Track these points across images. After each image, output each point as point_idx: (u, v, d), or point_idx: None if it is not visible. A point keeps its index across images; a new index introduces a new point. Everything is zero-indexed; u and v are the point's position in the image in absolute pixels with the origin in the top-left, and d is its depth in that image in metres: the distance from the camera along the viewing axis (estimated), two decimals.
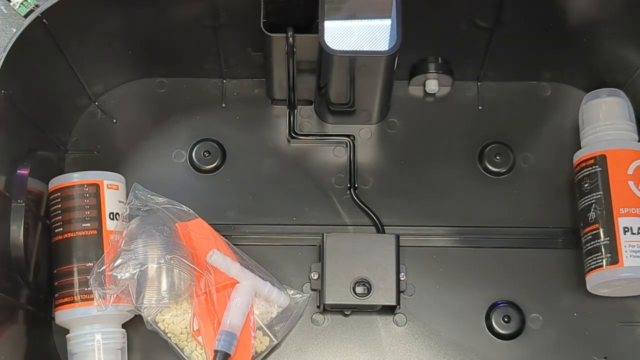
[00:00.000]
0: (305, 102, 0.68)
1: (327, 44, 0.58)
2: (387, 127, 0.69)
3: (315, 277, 0.63)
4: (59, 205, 0.61)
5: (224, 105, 0.69)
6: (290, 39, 0.60)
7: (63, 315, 0.60)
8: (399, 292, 0.62)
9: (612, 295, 0.63)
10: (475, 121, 0.69)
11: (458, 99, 0.69)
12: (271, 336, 0.62)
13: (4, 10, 0.57)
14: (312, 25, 0.60)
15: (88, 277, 0.59)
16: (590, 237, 0.61)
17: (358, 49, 0.59)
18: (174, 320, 0.61)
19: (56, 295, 0.60)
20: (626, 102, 0.64)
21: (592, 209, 0.61)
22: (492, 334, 0.64)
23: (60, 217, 0.61)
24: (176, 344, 0.61)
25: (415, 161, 0.68)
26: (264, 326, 0.62)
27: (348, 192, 0.67)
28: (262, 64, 0.65)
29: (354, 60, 0.60)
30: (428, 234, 0.66)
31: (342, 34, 0.59)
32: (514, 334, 0.64)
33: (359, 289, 0.61)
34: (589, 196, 0.62)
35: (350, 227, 0.66)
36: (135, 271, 0.59)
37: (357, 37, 0.60)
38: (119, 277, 0.59)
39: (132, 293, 0.59)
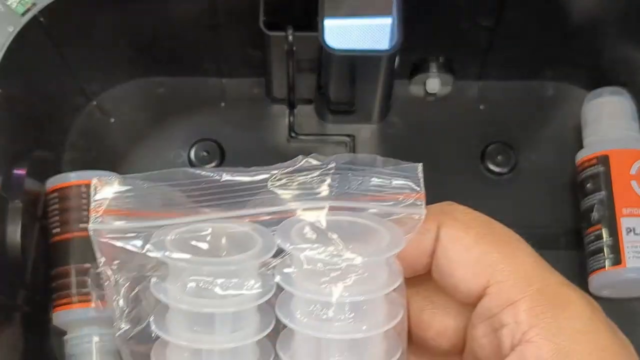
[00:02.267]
0: (305, 101, 0.68)
1: (327, 43, 0.58)
2: (387, 126, 0.68)
3: None
4: (57, 206, 0.60)
5: (223, 104, 0.69)
6: (290, 37, 0.59)
7: (60, 317, 0.59)
8: None
9: (615, 296, 0.63)
10: (477, 121, 0.68)
11: (459, 99, 0.69)
12: None
13: (1, 9, 0.57)
14: (312, 24, 0.60)
15: (86, 278, 0.59)
16: (593, 237, 0.61)
17: (358, 48, 0.59)
18: None
19: (53, 296, 0.60)
20: (629, 101, 0.64)
21: (595, 209, 0.61)
22: None
23: (57, 218, 0.60)
24: None
25: (416, 161, 0.67)
26: None
27: None
28: (261, 63, 0.65)
29: (354, 59, 0.59)
30: None
31: (343, 33, 0.59)
32: None
33: None
34: (592, 196, 0.61)
35: None
36: None
37: (358, 35, 0.59)
38: None
39: None
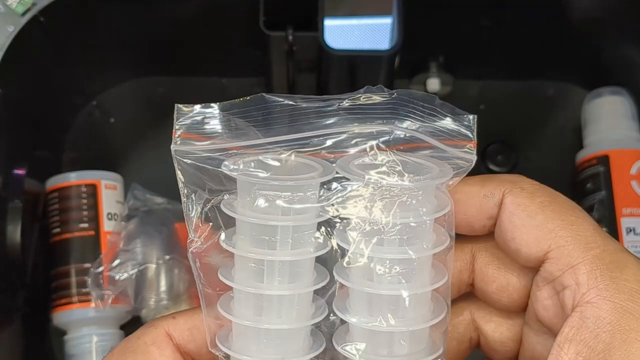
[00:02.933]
0: None
1: (327, 43, 0.58)
2: None
3: None
4: (57, 206, 0.60)
5: None
6: (290, 37, 0.59)
7: (60, 317, 0.59)
8: None
9: None
10: (477, 121, 0.68)
11: (460, 98, 0.69)
12: None
13: (1, 9, 0.57)
14: (312, 24, 0.60)
15: (86, 278, 0.59)
16: None
17: (358, 48, 0.59)
18: None
19: (53, 296, 0.60)
20: (629, 101, 0.63)
21: (595, 209, 0.61)
22: None
23: (57, 218, 0.60)
24: None
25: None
26: None
27: None
28: (261, 63, 0.65)
29: (355, 59, 0.59)
30: None
31: (343, 33, 0.59)
32: None
33: None
34: (592, 196, 0.61)
35: None
36: (133, 272, 0.58)
37: (358, 35, 0.59)
38: (117, 277, 0.58)
39: (130, 294, 0.59)
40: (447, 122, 0.35)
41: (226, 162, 0.34)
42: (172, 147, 0.34)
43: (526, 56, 0.66)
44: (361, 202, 0.34)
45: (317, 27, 0.58)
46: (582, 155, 0.63)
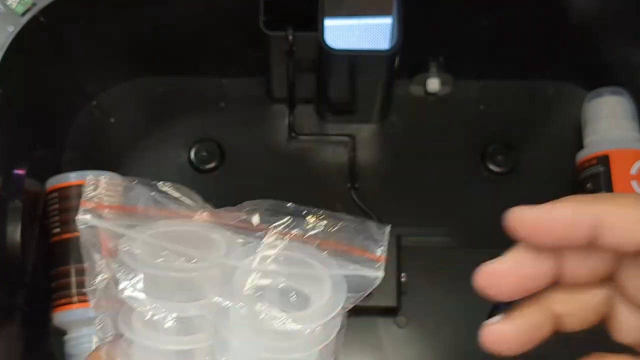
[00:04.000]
0: (305, 101, 0.68)
1: (327, 43, 0.58)
2: (387, 126, 0.68)
3: None
4: (57, 206, 0.60)
5: (223, 104, 0.68)
6: (290, 37, 0.59)
7: (60, 317, 0.59)
8: (399, 293, 0.61)
9: None
10: (477, 121, 0.68)
11: (459, 98, 0.69)
12: None
13: (1, 9, 0.57)
14: (312, 24, 0.60)
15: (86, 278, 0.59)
16: None
17: (358, 48, 0.59)
18: None
19: (53, 296, 0.60)
20: (629, 101, 0.63)
21: None
22: None
23: (57, 218, 0.60)
24: None
25: (417, 161, 0.67)
26: None
27: (348, 192, 0.66)
28: (261, 63, 0.65)
29: (355, 59, 0.59)
30: (428, 234, 0.65)
31: (343, 33, 0.59)
32: None
33: None
34: None
35: None
36: None
37: (358, 35, 0.59)
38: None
39: None
40: (358, 233, 0.34)
41: (124, 251, 0.34)
42: (78, 216, 0.34)
43: (526, 56, 0.66)
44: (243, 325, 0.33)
45: (317, 27, 0.58)
46: (582, 155, 0.63)
